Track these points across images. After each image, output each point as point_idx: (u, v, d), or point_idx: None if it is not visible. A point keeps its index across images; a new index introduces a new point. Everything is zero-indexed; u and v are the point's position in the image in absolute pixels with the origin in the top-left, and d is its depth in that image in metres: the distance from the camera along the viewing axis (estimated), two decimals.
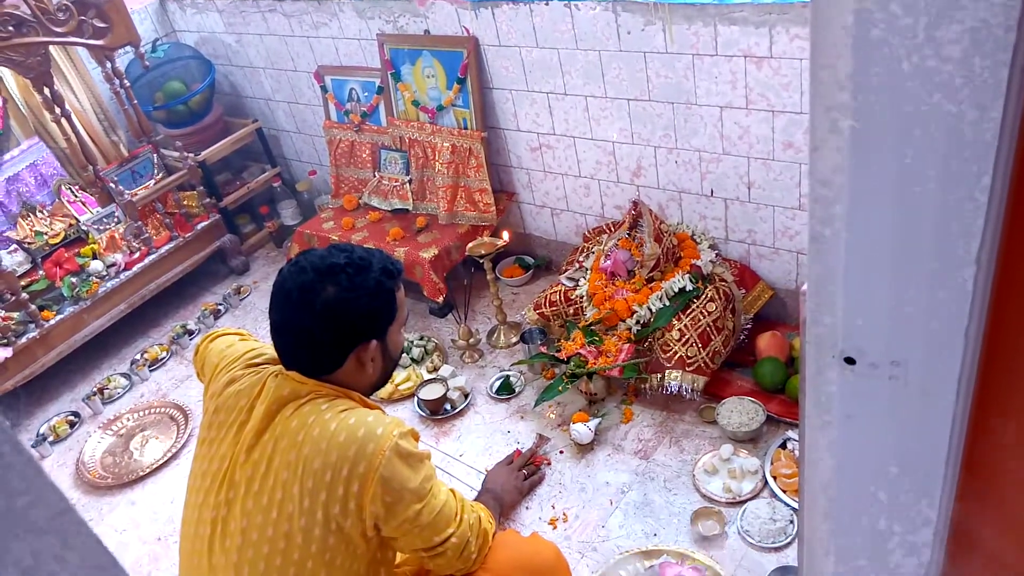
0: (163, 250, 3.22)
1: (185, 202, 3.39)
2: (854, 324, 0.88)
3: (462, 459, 2.33)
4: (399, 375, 2.65)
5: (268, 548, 1.41)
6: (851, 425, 0.94)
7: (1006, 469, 0.97)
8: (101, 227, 3.18)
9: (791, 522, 1.87)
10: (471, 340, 2.69)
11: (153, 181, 3.28)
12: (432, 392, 2.53)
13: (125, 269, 3.13)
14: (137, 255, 3.17)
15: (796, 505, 1.87)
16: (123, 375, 3.03)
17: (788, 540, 1.84)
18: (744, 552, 1.86)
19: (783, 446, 2.06)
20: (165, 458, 2.57)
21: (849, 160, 0.76)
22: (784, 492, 1.94)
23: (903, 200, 0.77)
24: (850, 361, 0.90)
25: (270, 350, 1.56)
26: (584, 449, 2.26)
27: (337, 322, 1.41)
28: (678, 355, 2.23)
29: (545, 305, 2.56)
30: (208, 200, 3.38)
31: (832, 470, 1.00)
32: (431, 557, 1.54)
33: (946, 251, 0.76)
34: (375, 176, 3.08)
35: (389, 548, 1.52)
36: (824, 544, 1.13)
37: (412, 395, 2.57)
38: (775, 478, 1.99)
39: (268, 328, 1.49)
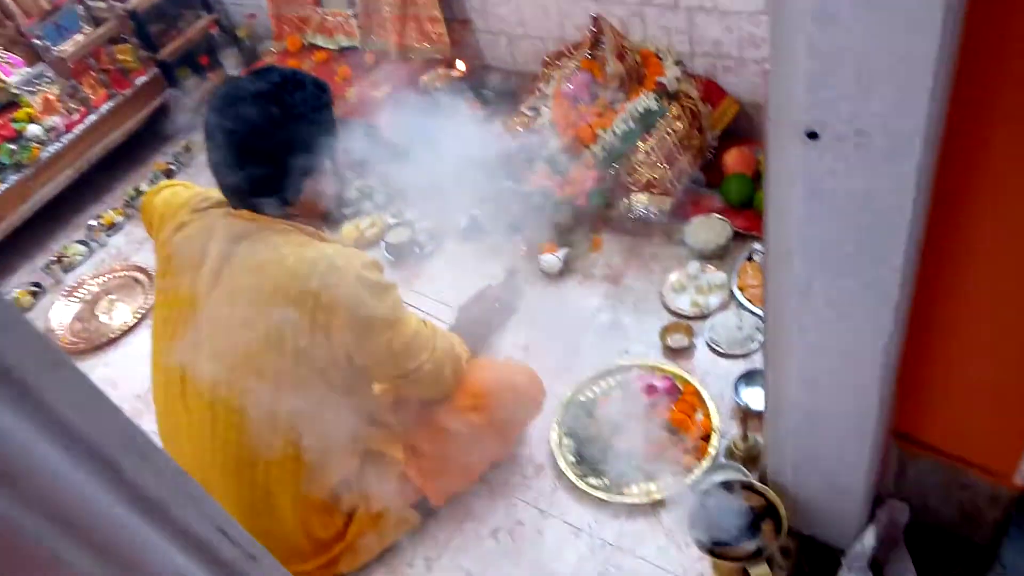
0: (103, 109, 3.05)
1: (120, 56, 3.17)
2: (818, 96, 0.83)
3: (435, 298, 2.33)
4: (364, 221, 2.60)
5: (240, 385, 1.42)
6: (816, 202, 0.92)
7: (972, 231, 0.97)
8: (32, 88, 2.98)
9: (757, 329, 1.91)
10: (434, 180, 2.62)
11: (81, 35, 3.05)
12: (399, 236, 2.49)
13: (66, 132, 2.97)
14: (76, 116, 3.01)
15: (762, 313, 1.91)
16: (80, 243, 2.95)
17: (755, 347, 1.89)
18: (712, 361, 1.91)
19: (750, 259, 2.08)
20: (135, 319, 2.55)
21: None
22: (751, 302, 1.98)
23: None
24: (813, 136, 0.86)
25: (217, 193, 1.50)
26: (554, 279, 2.26)
27: (289, 144, 1.35)
28: (645, 178, 2.19)
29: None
30: (144, 53, 3.17)
31: (796, 251, 0.99)
32: (407, 384, 1.56)
33: (911, 8, 0.71)
34: (318, 13, 2.89)
35: (365, 378, 1.54)
36: (788, 333, 1.14)
37: (379, 240, 2.54)
38: (742, 290, 2.02)
39: None
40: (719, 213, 2.19)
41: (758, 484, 1.43)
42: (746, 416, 1.65)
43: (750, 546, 1.38)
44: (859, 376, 1.11)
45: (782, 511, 1.38)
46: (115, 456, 0.39)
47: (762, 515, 1.41)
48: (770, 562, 1.36)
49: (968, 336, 1.11)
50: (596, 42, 2.31)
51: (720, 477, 1.51)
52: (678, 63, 2.32)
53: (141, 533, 0.39)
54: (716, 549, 1.39)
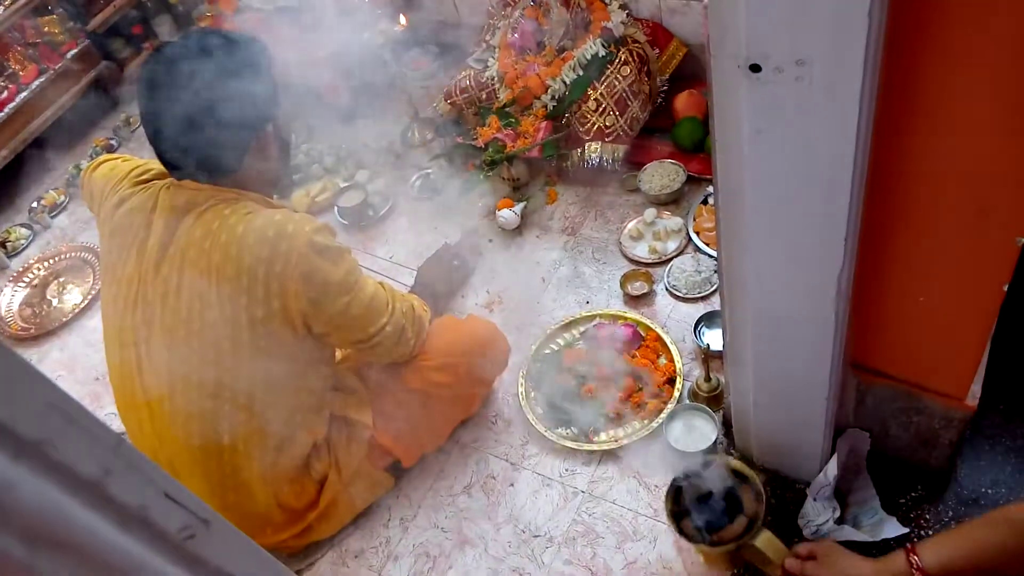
0: (34, 85, 2.93)
1: (46, 29, 3.04)
2: (756, 26, 0.82)
3: (392, 260, 2.30)
4: (314, 186, 2.55)
5: (197, 360, 1.39)
6: (762, 137, 0.91)
7: (915, 158, 0.97)
8: None
9: (715, 271, 1.93)
10: (383, 141, 2.57)
11: (2, 7, 2.90)
12: (351, 199, 2.44)
13: None
14: (5, 95, 2.88)
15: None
16: (23, 226, 2.86)
17: (713, 289, 1.90)
18: (672, 305, 1.93)
19: (704, 202, 2.08)
20: (85, 301, 2.48)
21: None
22: (707, 245, 1.99)
23: None
24: (755, 68, 0.86)
25: (156, 165, 1.45)
26: (512, 234, 2.25)
27: (223, 110, 1.30)
28: (596, 126, 2.18)
29: (456, 93, 2.45)
30: (72, 24, 3.03)
31: (746, 188, 0.99)
32: (369, 348, 1.54)
33: None
34: None
35: (326, 346, 1.52)
36: (743, 271, 1.15)
37: (331, 205, 2.49)
38: (698, 233, 2.03)
39: None
40: (672, 158, 2.19)
41: (729, 461, 1.40)
42: (707, 357, 1.67)
43: (741, 520, 1.33)
44: (814, 308, 1.12)
45: (754, 477, 1.36)
46: (38, 431, 0.36)
47: (734, 484, 1.37)
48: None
49: (917, 263, 1.12)
50: None
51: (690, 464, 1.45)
52: (623, 7, 2.29)
53: (72, 510, 0.37)
54: (713, 537, 1.33)
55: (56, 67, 2.99)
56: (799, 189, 0.95)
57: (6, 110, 2.86)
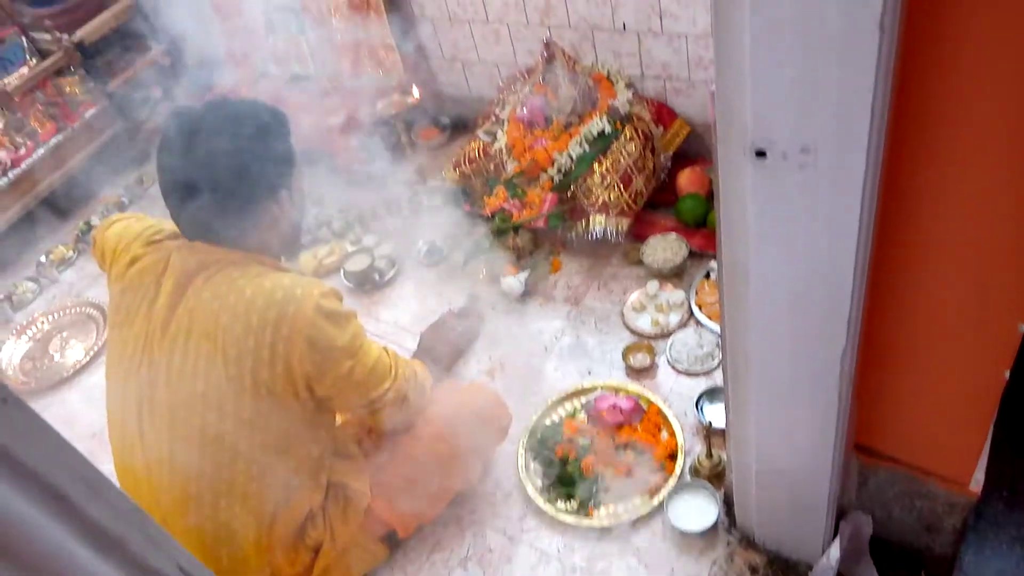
0: (51, 143, 2.99)
1: (67, 89, 3.12)
2: (762, 113, 0.85)
3: (396, 325, 2.31)
4: (322, 249, 2.58)
5: (199, 421, 1.38)
6: (767, 220, 0.93)
7: (920, 245, 0.99)
8: None
9: (717, 346, 1.93)
10: (392, 207, 2.62)
11: (26, 68, 2.99)
12: (358, 263, 2.47)
13: (12, 167, 2.90)
14: (23, 151, 2.94)
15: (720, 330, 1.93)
16: (30, 279, 2.88)
17: (715, 364, 1.91)
18: (674, 379, 1.93)
19: (707, 277, 2.10)
20: (88, 357, 2.48)
21: None
22: (710, 319, 2.00)
23: None
24: (761, 154, 0.88)
25: (169, 225, 1.48)
26: (516, 302, 2.27)
27: (245, 174, 1.33)
28: (601, 200, 2.22)
29: (465, 163, 2.50)
30: (93, 85, 3.12)
31: (750, 268, 1.00)
32: (370, 414, 1.54)
33: (848, 19, 0.73)
34: (269, 40, 2.88)
35: (327, 410, 1.51)
36: (746, 350, 1.16)
37: (338, 269, 2.52)
38: (700, 308, 2.04)
39: None
40: (675, 232, 2.22)
41: None
42: (709, 433, 1.66)
43: None
44: (818, 389, 1.12)
45: None
46: (67, 490, 0.37)
47: None
48: None
49: (919, 346, 1.13)
50: (548, 66, 2.34)
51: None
52: (629, 86, 2.36)
53: (100, 571, 0.37)
54: None
55: (74, 125, 3.06)
56: (803, 271, 0.97)
57: (22, 166, 2.91)
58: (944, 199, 0.93)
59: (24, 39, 2.99)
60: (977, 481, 1.29)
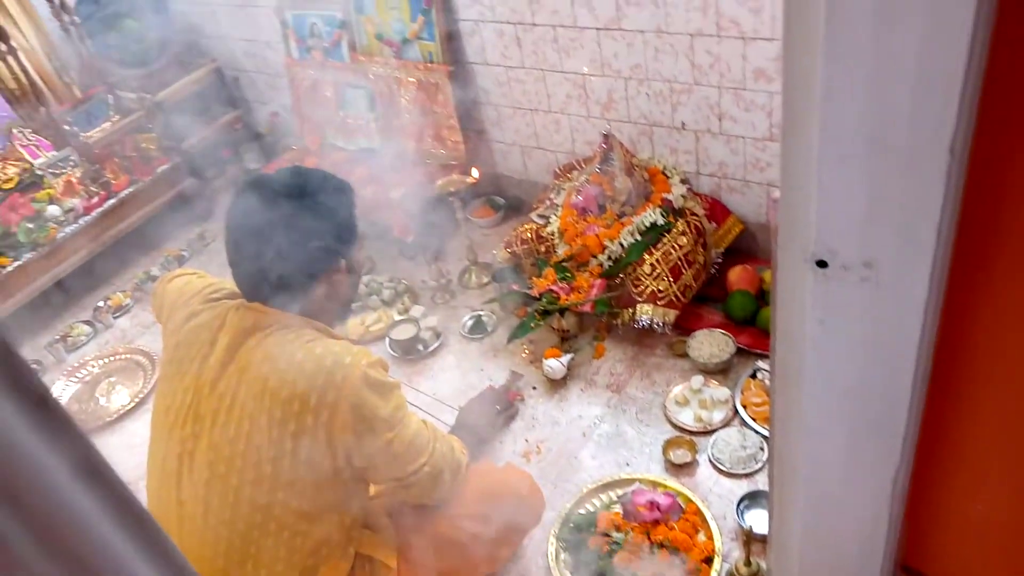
0: (123, 194, 3.13)
1: (144, 145, 3.28)
2: (826, 225, 0.86)
3: (436, 397, 2.31)
4: (370, 316, 2.62)
5: (237, 480, 1.39)
6: (824, 330, 0.93)
7: (977, 371, 0.97)
8: (56, 171, 3.07)
9: (761, 449, 1.89)
10: (441, 280, 2.66)
11: (109, 123, 3.16)
12: (404, 332, 2.50)
13: (84, 214, 3.03)
14: (96, 200, 3.08)
15: (767, 432, 1.89)
16: (86, 323, 2.97)
17: (758, 466, 1.86)
18: (715, 479, 1.88)
19: (753, 376, 2.08)
20: (132, 403, 2.53)
21: (823, 49, 0.73)
22: (754, 420, 1.96)
23: (877, 90, 0.74)
24: (822, 264, 0.89)
25: (229, 285, 1.52)
26: (557, 384, 2.26)
27: (306, 243, 1.37)
28: (649, 289, 2.22)
29: (516, 244, 2.54)
30: (167, 143, 3.28)
31: (804, 376, 0.99)
32: (404, 487, 1.53)
33: (919, 141, 0.74)
34: (339, 115, 3.00)
35: (361, 480, 1.51)
36: (795, 459, 1.14)
37: (383, 336, 2.55)
38: (745, 407, 2.01)
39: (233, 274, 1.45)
40: (722, 328, 2.21)
41: None
42: (749, 539, 1.61)
43: None
44: (867, 505, 1.09)
45: None
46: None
47: None
48: None
49: (975, 469, 1.10)
50: (606, 157, 2.39)
51: None
52: (684, 181, 2.39)
53: None
54: None
55: (146, 179, 3.20)
56: (859, 384, 0.95)
57: (93, 214, 3.04)
58: (1007, 319, 0.92)
59: (110, 97, 3.18)
60: None
